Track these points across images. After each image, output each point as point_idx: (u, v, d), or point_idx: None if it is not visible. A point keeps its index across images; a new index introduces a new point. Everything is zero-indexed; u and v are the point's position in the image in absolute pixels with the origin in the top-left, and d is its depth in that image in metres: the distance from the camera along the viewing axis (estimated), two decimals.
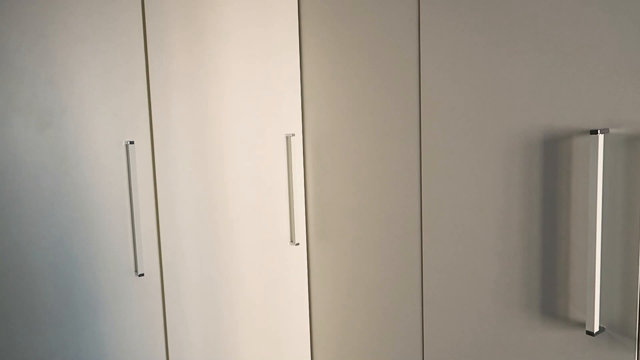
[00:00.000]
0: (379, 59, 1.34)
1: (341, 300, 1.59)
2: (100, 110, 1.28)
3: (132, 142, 1.32)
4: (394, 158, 1.34)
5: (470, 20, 1.10)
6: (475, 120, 1.12)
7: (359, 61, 1.40)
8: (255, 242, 1.58)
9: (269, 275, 1.62)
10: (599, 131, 0.87)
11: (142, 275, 1.36)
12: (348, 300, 1.56)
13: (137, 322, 1.38)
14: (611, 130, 0.89)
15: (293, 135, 1.61)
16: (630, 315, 0.90)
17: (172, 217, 1.41)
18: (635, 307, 0.90)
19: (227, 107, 1.48)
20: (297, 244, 1.65)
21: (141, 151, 1.35)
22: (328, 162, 1.57)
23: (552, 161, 0.99)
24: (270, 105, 1.56)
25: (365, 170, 1.44)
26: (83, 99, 1.25)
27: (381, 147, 1.38)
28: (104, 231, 1.30)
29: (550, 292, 1.02)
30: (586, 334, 0.95)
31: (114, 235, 1.32)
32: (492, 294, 1.13)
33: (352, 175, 1.49)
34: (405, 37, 1.26)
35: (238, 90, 1.50)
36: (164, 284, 1.42)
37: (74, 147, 1.25)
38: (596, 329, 0.92)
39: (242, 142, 1.52)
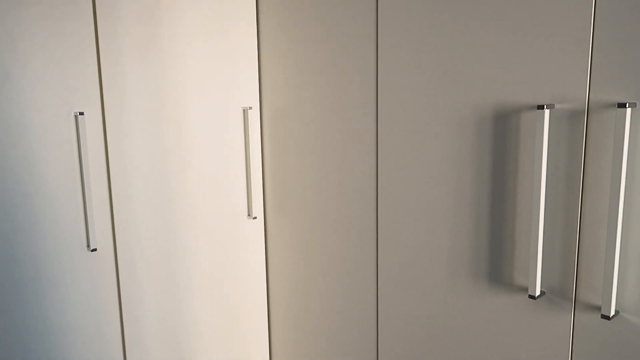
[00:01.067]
0: (336, 33, 1.34)
1: (299, 273, 1.61)
2: (46, 79, 1.22)
3: (81, 113, 1.27)
4: (351, 131, 1.36)
5: None
6: (431, 94, 1.15)
7: (317, 35, 1.40)
8: (212, 216, 1.57)
9: (226, 249, 1.61)
10: (545, 106, 0.92)
11: (94, 250, 1.33)
12: (305, 273, 1.59)
13: (90, 298, 1.35)
14: (556, 106, 0.93)
15: (250, 108, 1.59)
16: (568, 280, 0.97)
17: (125, 190, 1.38)
18: (573, 272, 0.96)
19: (182, 79, 1.44)
20: (255, 218, 1.66)
21: (92, 122, 1.31)
22: (286, 136, 1.57)
23: (502, 135, 1.03)
24: (227, 78, 1.54)
25: (323, 144, 1.45)
26: (27, 66, 1.19)
27: (338, 121, 1.39)
28: (53, 205, 1.26)
29: (497, 260, 1.08)
30: (528, 297, 1.01)
31: (64, 209, 1.28)
32: (443, 263, 1.18)
33: (310, 149, 1.49)
34: (363, 12, 1.26)
35: (194, 62, 1.46)
36: (117, 258, 1.39)
37: (18, 117, 1.19)
38: (537, 293, 0.99)
39: (198, 115, 1.49)
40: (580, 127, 0.91)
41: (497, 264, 1.08)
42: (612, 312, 0.89)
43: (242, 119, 1.60)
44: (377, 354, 1.39)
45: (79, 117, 1.26)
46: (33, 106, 1.21)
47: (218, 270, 1.61)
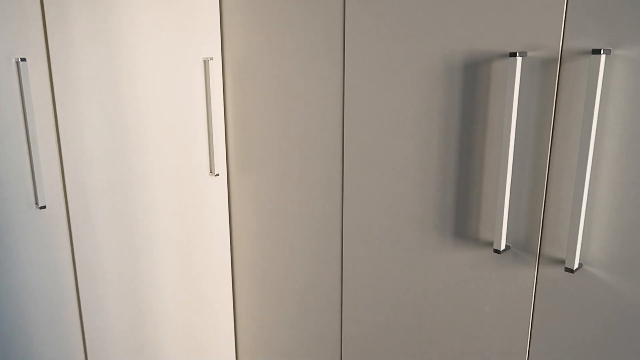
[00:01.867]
0: None
1: (263, 231, 1.57)
2: None
3: (23, 59, 1.16)
4: (316, 84, 1.29)
5: None
6: (399, 44, 1.09)
7: None
8: (172, 172, 1.50)
9: (187, 207, 1.55)
10: (517, 54, 0.88)
11: (43, 207, 1.25)
12: (270, 231, 1.55)
13: (41, 258, 1.28)
14: (529, 54, 0.90)
15: (211, 59, 1.50)
16: (534, 234, 0.96)
17: (76, 144, 1.29)
18: (539, 226, 0.95)
19: (137, 24, 1.34)
20: (217, 175, 1.59)
21: (35, 69, 1.20)
22: (249, 88, 1.50)
23: (472, 85, 0.99)
24: (186, 25, 1.44)
25: (288, 97, 1.38)
26: None
27: (304, 73, 1.32)
28: None
29: (463, 215, 1.06)
30: (493, 252, 1.00)
31: (8, 164, 1.19)
32: (410, 217, 1.16)
33: (274, 102, 1.43)
34: None
35: (150, 6, 1.35)
36: (70, 216, 1.31)
37: None
38: (503, 247, 0.97)
39: (155, 64, 1.39)
40: (553, 76, 0.87)
41: (463, 218, 1.06)
42: (576, 265, 0.89)
43: (203, 70, 1.51)
44: (341, 309, 1.38)
45: (21, 63, 1.16)
46: None
47: (179, 229, 1.55)
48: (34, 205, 1.25)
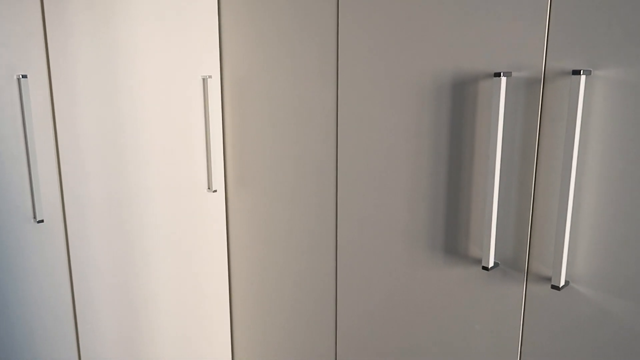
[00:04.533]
0: (298, 3, 1.29)
1: (260, 246, 1.58)
2: None
3: (24, 76, 1.19)
4: (311, 103, 1.32)
5: None
6: (390, 64, 1.11)
7: (279, 5, 1.35)
8: (171, 189, 1.52)
9: (185, 222, 1.57)
10: (502, 74, 0.90)
11: (41, 221, 1.27)
12: (266, 246, 1.56)
13: (38, 272, 1.30)
14: (514, 74, 0.91)
15: (210, 77, 1.53)
16: (521, 251, 0.96)
17: (75, 159, 1.32)
18: (526, 243, 0.96)
19: (138, 43, 1.37)
20: (215, 191, 1.61)
21: (36, 86, 1.23)
22: (247, 106, 1.52)
23: (460, 104, 1.01)
24: (187, 44, 1.47)
25: (284, 115, 1.41)
26: None
27: (299, 92, 1.35)
28: None
29: (453, 232, 1.07)
30: (482, 269, 1.01)
31: (7, 178, 1.21)
32: (401, 235, 1.17)
33: (270, 120, 1.45)
34: None
35: (151, 25, 1.39)
36: (67, 230, 1.33)
37: None
38: (491, 264, 0.98)
39: (154, 81, 1.43)
40: (537, 95, 0.89)
41: (453, 235, 1.07)
42: (562, 283, 0.89)
43: (202, 88, 1.54)
44: (335, 325, 1.38)
45: (22, 80, 1.19)
46: None
47: (176, 244, 1.56)
48: (32, 219, 1.27)
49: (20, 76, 1.19)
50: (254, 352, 1.69)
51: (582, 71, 0.80)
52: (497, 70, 0.93)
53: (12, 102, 1.20)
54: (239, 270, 1.69)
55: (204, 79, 1.53)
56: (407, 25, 1.06)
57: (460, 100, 1.00)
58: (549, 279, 0.94)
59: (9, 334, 1.27)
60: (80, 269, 1.37)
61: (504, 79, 0.90)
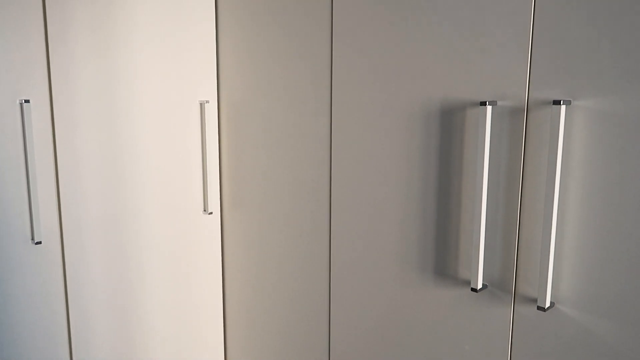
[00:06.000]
0: (293, 30, 1.34)
1: (254, 269, 1.60)
2: None
3: (27, 101, 1.23)
4: (305, 128, 1.36)
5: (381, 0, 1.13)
6: (381, 92, 1.16)
7: (274, 32, 1.40)
8: (167, 211, 1.54)
9: (181, 244, 1.59)
10: (487, 103, 0.94)
11: (39, 243, 1.29)
12: (260, 268, 1.58)
13: (35, 293, 1.31)
14: (499, 103, 0.96)
15: (207, 102, 1.58)
16: (509, 273, 0.99)
17: (74, 182, 1.35)
18: (513, 265, 0.99)
19: (137, 69, 1.42)
20: (211, 213, 1.64)
21: (38, 111, 1.27)
22: (243, 130, 1.56)
23: (448, 131, 1.05)
24: (184, 70, 1.52)
25: (278, 140, 1.45)
26: None
27: (293, 117, 1.39)
28: None
29: (442, 255, 1.10)
30: (471, 290, 1.04)
31: (7, 200, 1.24)
32: (392, 258, 1.19)
33: (265, 144, 1.49)
34: (318, 12, 1.27)
35: (150, 52, 1.44)
36: (64, 252, 1.35)
37: None
38: (479, 286, 1.01)
39: (153, 106, 1.47)
40: (521, 124, 0.94)
41: (442, 258, 1.10)
42: (548, 304, 0.92)
43: (199, 113, 1.58)
44: (328, 347, 1.40)
45: (24, 104, 1.23)
46: None
47: (172, 266, 1.58)
48: (30, 241, 1.29)
49: (23, 101, 1.23)
50: None
51: (562, 101, 0.84)
52: (483, 100, 0.98)
53: (15, 126, 1.23)
54: (233, 291, 1.70)
55: (201, 104, 1.57)
56: (399, 55, 1.11)
57: (449, 127, 1.04)
58: (535, 301, 0.96)
59: (4, 355, 1.28)
60: (77, 290, 1.39)
61: (489, 108, 0.94)
